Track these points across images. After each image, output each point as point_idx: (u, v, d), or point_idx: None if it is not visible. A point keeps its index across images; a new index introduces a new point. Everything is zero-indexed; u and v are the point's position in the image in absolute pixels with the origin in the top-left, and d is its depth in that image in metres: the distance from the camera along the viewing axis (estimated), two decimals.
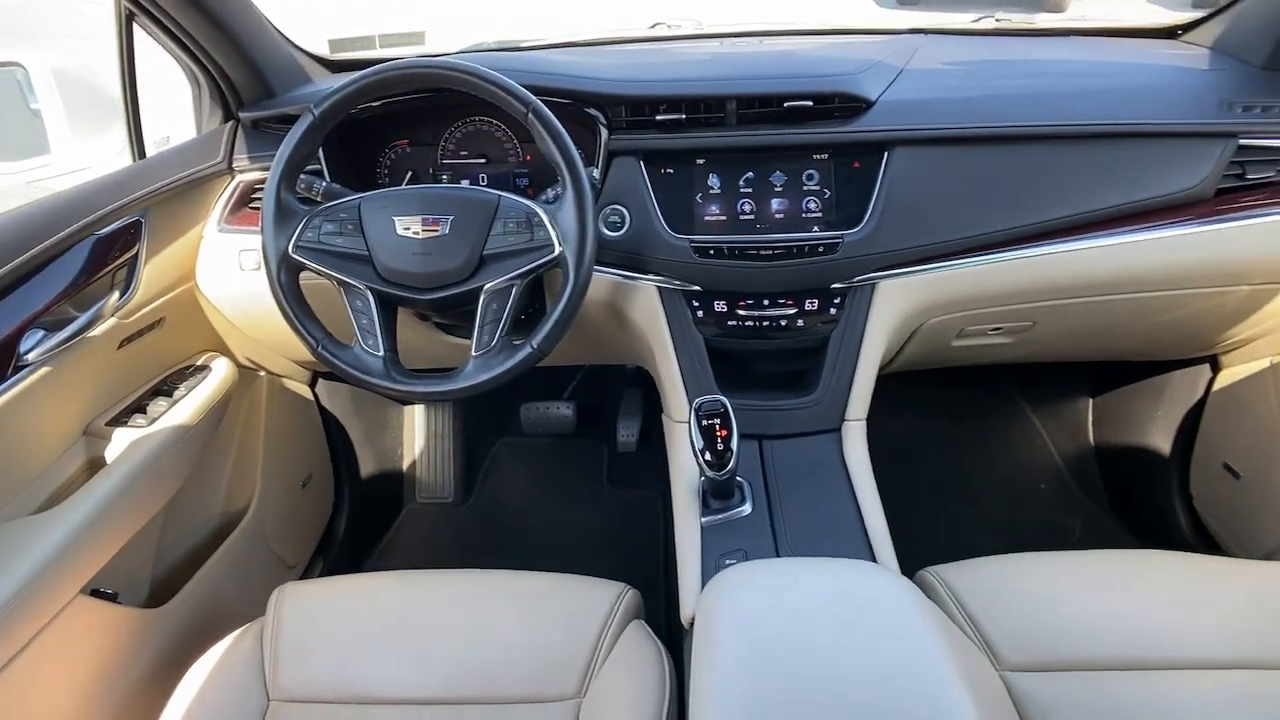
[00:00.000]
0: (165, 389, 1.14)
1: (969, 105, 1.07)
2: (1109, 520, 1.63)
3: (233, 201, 1.19)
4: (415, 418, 1.86)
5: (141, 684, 1.02)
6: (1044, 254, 1.07)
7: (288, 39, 1.26)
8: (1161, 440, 1.52)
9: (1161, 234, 1.05)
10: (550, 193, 1.04)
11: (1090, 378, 1.74)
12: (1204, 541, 1.44)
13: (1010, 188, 1.06)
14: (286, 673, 0.88)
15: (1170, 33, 1.31)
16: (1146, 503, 1.57)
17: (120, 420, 1.06)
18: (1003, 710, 0.78)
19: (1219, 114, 1.05)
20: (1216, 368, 1.41)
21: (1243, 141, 1.04)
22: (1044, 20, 1.47)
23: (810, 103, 1.05)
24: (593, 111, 1.09)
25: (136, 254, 1.07)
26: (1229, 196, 1.06)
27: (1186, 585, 0.90)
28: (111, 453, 1.02)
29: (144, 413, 1.08)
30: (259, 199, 1.19)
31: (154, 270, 1.10)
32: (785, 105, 1.06)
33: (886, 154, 1.06)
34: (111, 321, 1.04)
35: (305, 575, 1.52)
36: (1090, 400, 1.75)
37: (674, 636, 1.02)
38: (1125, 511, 1.63)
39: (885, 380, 1.17)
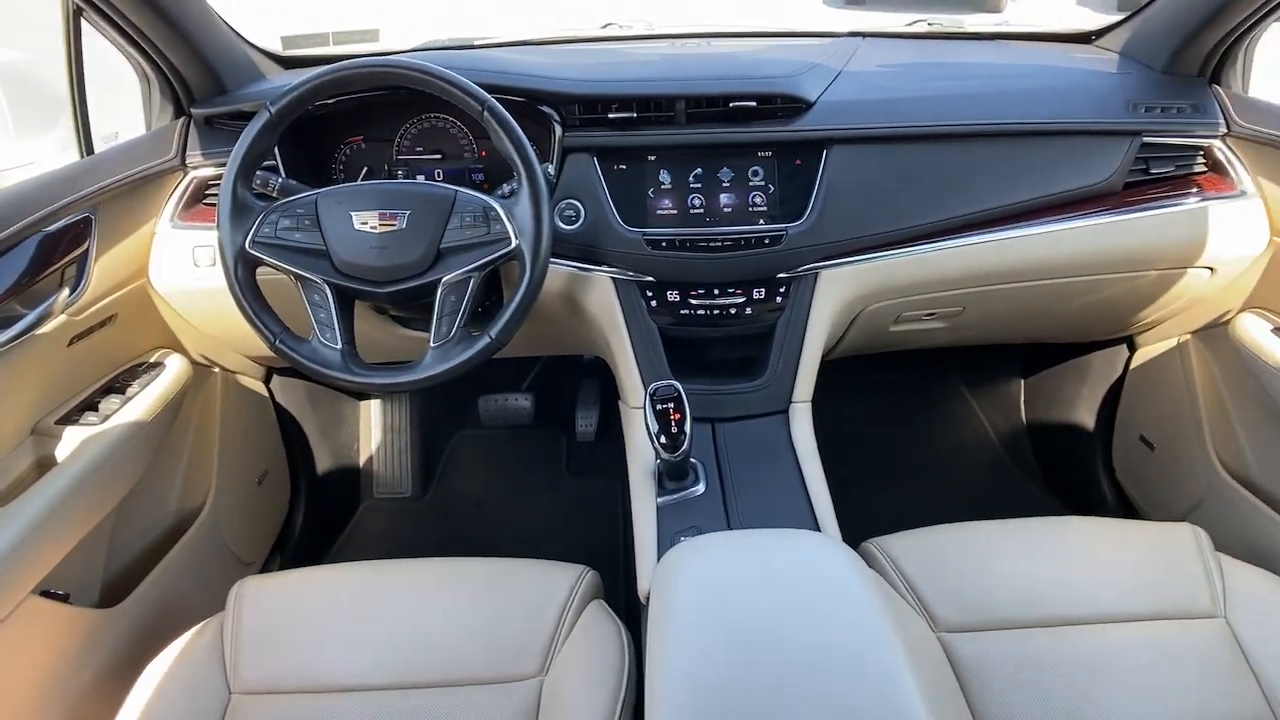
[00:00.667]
0: (117, 386, 1.12)
1: (901, 106, 1.14)
2: (1040, 492, 1.73)
3: (186, 197, 1.18)
4: (372, 412, 1.85)
5: (96, 684, 1.00)
6: (971, 244, 1.14)
7: (240, 35, 1.25)
8: (1086, 417, 1.62)
9: (1077, 224, 1.14)
10: (506, 188, 1.07)
11: (1022, 360, 1.84)
12: (1124, 508, 1.54)
13: (940, 182, 1.13)
14: (248, 665, 0.88)
15: (1085, 38, 1.40)
16: (1074, 474, 1.67)
17: (71, 418, 1.04)
18: (939, 669, 0.83)
19: (1125, 114, 1.14)
20: (1133, 348, 1.51)
21: (1146, 139, 1.14)
22: (973, 24, 1.55)
23: (754, 103, 1.10)
24: (547, 109, 1.12)
25: (86, 250, 1.06)
26: (1136, 189, 1.15)
27: (1104, 547, 0.97)
28: (62, 451, 1.01)
29: (95, 410, 1.06)
30: (213, 195, 1.18)
31: (105, 267, 1.09)
32: (731, 105, 1.10)
33: (825, 152, 1.12)
34: (61, 319, 1.02)
35: (262, 573, 1.51)
36: (1022, 382, 1.85)
37: (633, 615, 1.05)
38: (1055, 483, 1.73)
39: (831, 366, 1.24)
